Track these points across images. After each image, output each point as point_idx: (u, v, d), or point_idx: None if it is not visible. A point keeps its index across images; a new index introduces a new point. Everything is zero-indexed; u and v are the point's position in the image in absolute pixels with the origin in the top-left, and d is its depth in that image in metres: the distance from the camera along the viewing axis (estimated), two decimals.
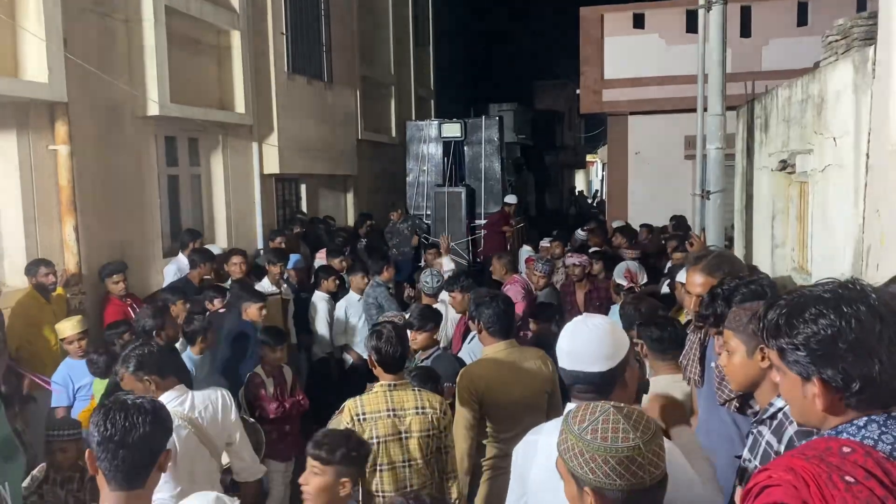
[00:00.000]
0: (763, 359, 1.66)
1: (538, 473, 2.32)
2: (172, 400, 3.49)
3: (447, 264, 6.69)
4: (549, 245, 9.59)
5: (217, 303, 6.17)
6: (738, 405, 2.74)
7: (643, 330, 3.77)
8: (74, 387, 5.03)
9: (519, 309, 6.36)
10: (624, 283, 6.19)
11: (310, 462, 2.91)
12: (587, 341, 2.24)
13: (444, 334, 5.88)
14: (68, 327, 5.28)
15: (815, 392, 1.51)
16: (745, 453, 2.39)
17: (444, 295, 6.34)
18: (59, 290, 6.05)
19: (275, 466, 5.29)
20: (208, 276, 6.93)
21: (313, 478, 2.89)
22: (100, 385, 4.75)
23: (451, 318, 6.08)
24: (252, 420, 4.43)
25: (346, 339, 7.25)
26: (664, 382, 3.57)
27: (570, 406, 2.14)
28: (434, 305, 5.80)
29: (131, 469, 2.13)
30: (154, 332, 4.73)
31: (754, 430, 2.39)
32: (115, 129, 7.14)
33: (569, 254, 7.54)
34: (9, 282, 6.13)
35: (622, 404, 1.69)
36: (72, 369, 5.12)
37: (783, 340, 1.53)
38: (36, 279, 5.76)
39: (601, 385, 2.22)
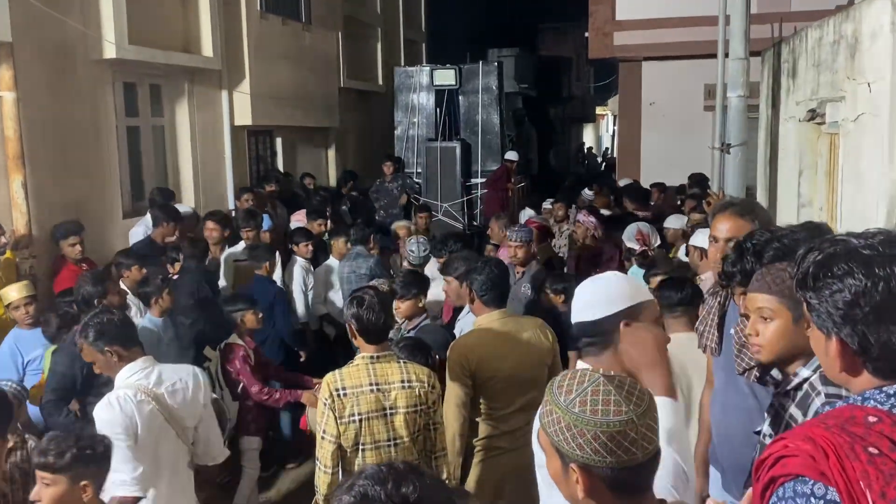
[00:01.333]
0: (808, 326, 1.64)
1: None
2: (136, 372, 3.52)
3: (413, 247, 6.47)
4: (550, 207, 9.57)
5: (176, 266, 6.21)
6: (758, 374, 2.73)
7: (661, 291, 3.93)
8: (24, 359, 5.01)
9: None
10: (636, 246, 6.18)
11: (38, 474, 2.87)
12: (584, 290, 2.40)
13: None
14: (13, 291, 5.26)
15: (834, 351, 1.53)
16: (766, 428, 2.40)
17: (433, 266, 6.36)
18: (8, 253, 6.02)
19: (250, 443, 5.40)
20: (171, 238, 6.89)
21: (45, 490, 2.84)
22: (49, 356, 4.74)
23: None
24: (216, 398, 4.44)
25: (328, 308, 7.27)
26: (680, 341, 3.61)
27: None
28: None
29: None
30: (95, 301, 4.72)
31: (776, 403, 2.40)
32: (66, 73, 7.04)
33: (581, 212, 7.50)
34: None
35: (612, 372, 1.68)
36: (19, 340, 5.10)
37: (809, 293, 1.55)
38: None
39: (595, 334, 2.30)
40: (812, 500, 1.37)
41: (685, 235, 6.85)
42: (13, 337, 5.14)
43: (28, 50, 6.48)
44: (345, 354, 6.83)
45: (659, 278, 4.74)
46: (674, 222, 7.14)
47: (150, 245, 6.74)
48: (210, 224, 7.33)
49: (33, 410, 4.64)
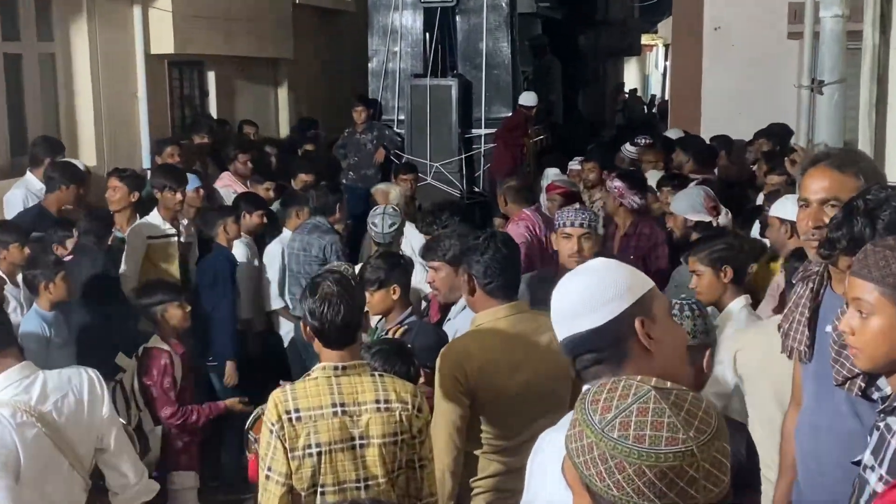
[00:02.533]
0: None
1: (533, 482, 2.36)
2: (12, 385, 3.47)
3: (376, 220, 6.38)
4: (579, 167, 9.51)
5: (69, 244, 6.20)
6: (862, 386, 2.73)
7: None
8: None
9: None
10: (704, 217, 6.14)
11: None
12: (567, 291, 2.26)
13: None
14: None
15: None
16: (867, 456, 2.41)
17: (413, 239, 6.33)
18: None
19: (182, 481, 5.47)
20: (70, 206, 6.85)
21: None
22: None
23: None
24: (123, 422, 4.44)
25: (286, 299, 7.33)
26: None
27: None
28: None
29: None
30: None
31: (881, 425, 2.40)
32: None
33: (625, 189, 6.98)
34: None
35: (668, 384, 1.64)
36: None
37: None
38: None
39: (601, 347, 2.19)
40: None
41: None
42: None
43: None
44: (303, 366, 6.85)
45: (692, 259, 4.72)
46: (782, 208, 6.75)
47: (39, 216, 6.73)
48: (114, 182, 7.27)
49: None
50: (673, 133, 11.40)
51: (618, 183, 6.97)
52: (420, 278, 5.60)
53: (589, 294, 2.21)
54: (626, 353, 2.17)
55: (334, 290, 3.42)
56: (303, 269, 6.81)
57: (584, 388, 1.72)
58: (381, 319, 5.06)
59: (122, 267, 6.89)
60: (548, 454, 2.27)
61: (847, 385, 2.81)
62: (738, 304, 4.53)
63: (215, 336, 6.76)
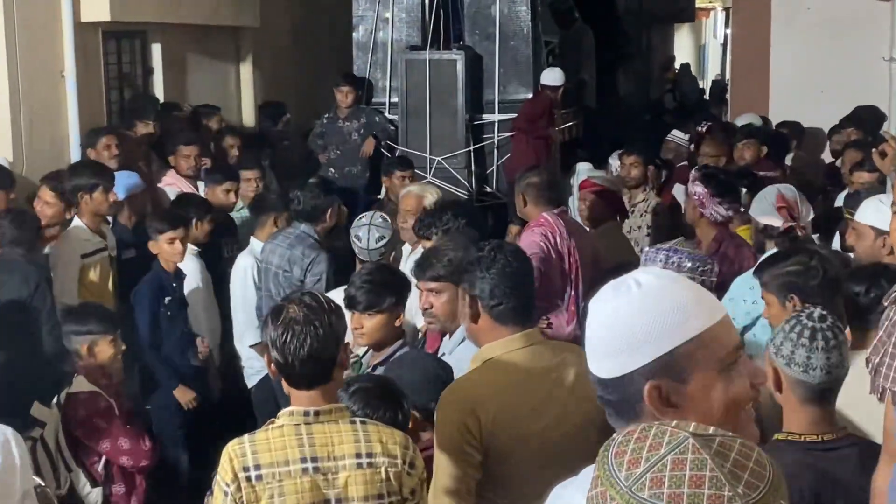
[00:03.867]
0: None
1: None
2: None
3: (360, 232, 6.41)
4: (619, 161, 9.52)
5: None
6: None
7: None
8: None
9: None
10: (777, 221, 6.13)
11: None
12: (601, 316, 2.17)
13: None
14: None
15: None
16: None
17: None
18: None
19: None
20: None
21: None
22: None
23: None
24: (40, 485, 4.48)
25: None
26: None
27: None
28: None
29: None
30: None
31: None
32: None
33: (707, 197, 6.68)
34: None
35: (709, 429, 1.64)
36: None
37: None
38: None
39: (609, 400, 2.18)
40: None
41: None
42: None
43: None
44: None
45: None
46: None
47: None
48: (46, 195, 7.36)
49: None
50: (741, 119, 11.40)
51: (699, 189, 6.67)
52: (411, 305, 5.58)
53: (606, 332, 2.15)
54: (637, 414, 2.11)
55: (300, 315, 3.43)
56: (282, 292, 6.74)
57: (611, 438, 1.71)
58: (367, 352, 5.10)
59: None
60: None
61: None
62: None
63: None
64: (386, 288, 5.00)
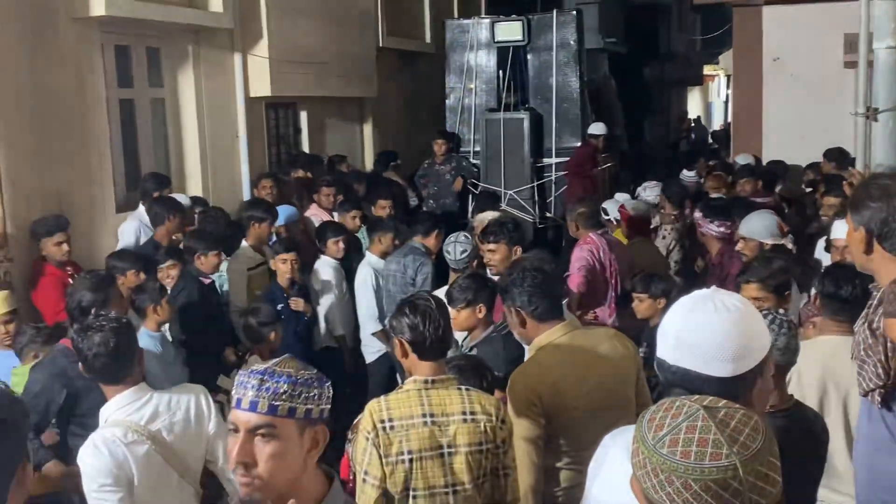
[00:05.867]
0: None
1: (599, 493, 2.34)
2: (126, 406, 3.60)
3: (449, 247, 6.35)
4: (652, 196, 9.32)
5: (171, 271, 6.33)
6: (879, 398, 2.88)
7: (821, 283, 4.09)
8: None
9: (573, 283, 6.37)
10: (779, 239, 6.07)
11: None
12: (711, 329, 2.13)
13: None
14: None
15: None
16: None
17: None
18: None
19: None
20: (179, 235, 7.03)
21: None
22: (22, 374, 4.86)
23: None
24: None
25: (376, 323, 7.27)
26: (834, 343, 3.65)
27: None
28: None
29: None
30: (93, 310, 4.83)
31: None
32: (46, 35, 7.24)
33: (702, 219, 6.76)
34: None
35: (719, 402, 1.65)
36: None
37: None
38: None
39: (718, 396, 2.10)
40: None
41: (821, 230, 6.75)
42: None
43: None
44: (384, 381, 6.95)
45: (754, 286, 4.60)
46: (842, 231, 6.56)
47: (153, 247, 6.91)
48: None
49: None
50: (740, 159, 11.32)
51: (697, 214, 6.96)
52: None
53: (728, 342, 2.14)
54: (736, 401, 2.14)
55: (432, 306, 3.51)
56: (400, 291, 6.68)
57: (646, 409, 1.75)
58: (465, 337, 5.09)
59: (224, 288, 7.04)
60: (610, 452, 2.31)
61: (869, 396, 2.93)
62: None
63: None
64: (471, 291, 4.98)
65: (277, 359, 2.31)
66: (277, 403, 2.20)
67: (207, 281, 6.45)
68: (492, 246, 5.85)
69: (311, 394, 2.26)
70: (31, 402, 4.37)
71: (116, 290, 5.20)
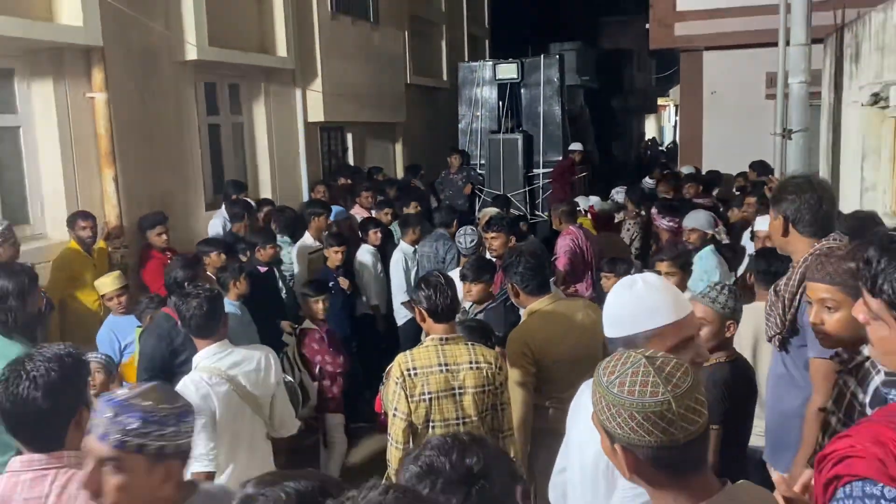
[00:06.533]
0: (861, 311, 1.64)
1: (578, 435, 2.34)
2: (212, 356, 3.63)
3: (461, 238, 6.40)
4: (620, 198, 9.25)
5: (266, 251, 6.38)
6: (778, 343, 2.91)
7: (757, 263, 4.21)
8: (120, 344, 5.21)
9: (560, 264, 6.37)
10: (716, 231, 6.07)
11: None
12: (613, 298, 2.16)
13: None
14: (107, 283, 5.48)
15: None
16: (830, 405, 2.39)
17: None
18: (101, 243, 6.26)
19: (334, 419, 5.59)
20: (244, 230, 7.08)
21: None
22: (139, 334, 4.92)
23: None
24: (290, 380, 4.60)
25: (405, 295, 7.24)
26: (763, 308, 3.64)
27: None
28: None
29: (41, 434, 2.17)
30: (186, 284, 4.86)
31: (840, 381, 2.40)
32: (152, 74, 7.27)
33: (656, 215, 6.86)
34: (50, 235, 6.36)
35: (658, 353, 1.64)
36: (115, 326, 5.31)
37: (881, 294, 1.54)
38: (76, 232, 5.96)
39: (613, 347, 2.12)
40: (882, 502, 1.36)
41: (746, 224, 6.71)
42: (110, 324, 5.34)
43: (118, 54, 6.71)
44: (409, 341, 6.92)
45: (666, 263, 4.65)
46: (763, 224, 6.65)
47: (232, 237, 6.96)
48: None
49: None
50: (685, 169, 11.28)
51: (654, 210, 6.99)
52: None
53: (610, 310, 2.17)
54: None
55: (441, 281, 3.52)
56: (433, 268, 6.65)
57: (602, 360, 1.75)
58: (471, 305, 5.12)
59: (295, 268, 7.06)
60: (584, 398, 2.29)
61: (772, 340, 3.00)
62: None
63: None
64: (483, 269, 5.04)
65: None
66: (126, 439, 1.84)
67: (264, 269, 6.40)
68: (493, 234, 5.87)
69: (165, 431, 1.87)
70: (146, 360, 4.45)
71: (203, 268, 5.26)
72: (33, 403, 2.14)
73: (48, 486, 2.12)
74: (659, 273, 4.37)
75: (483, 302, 5.00)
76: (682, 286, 4.62)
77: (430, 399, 3.42)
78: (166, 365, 4.44)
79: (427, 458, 1.55)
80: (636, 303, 2.11)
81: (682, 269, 4.65)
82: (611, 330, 2.15)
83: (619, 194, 9.56)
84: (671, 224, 6.56)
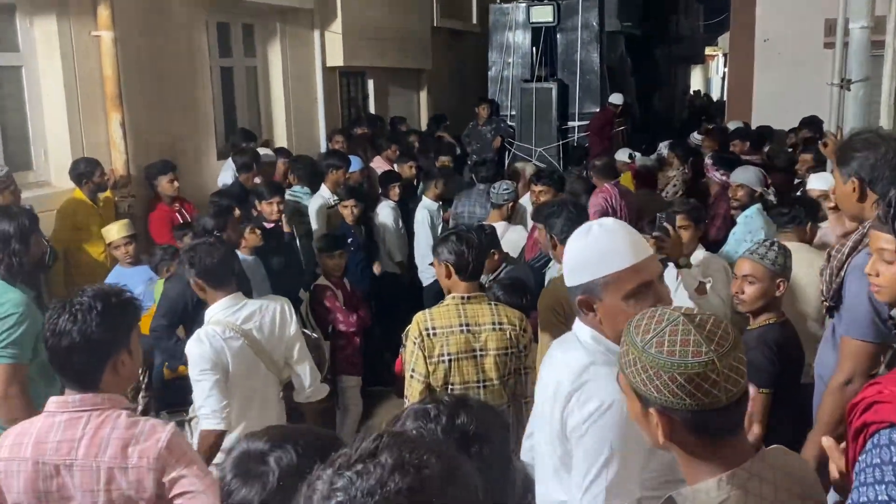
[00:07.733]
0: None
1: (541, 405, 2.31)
2: (225, 309, 3.66)
3: (496, 188, 6.28)
4: (665, 154, 9.15)
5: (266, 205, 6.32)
6: (826, 309, 2.93)
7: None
8: None
9: None
10: (765, 189, 6.00)
11: None
12: (592, 243, 2.12)
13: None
14: (114, 231, 5.53)
15: None
16: (882, 370, 2.38)
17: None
18: (108, 192, 6.30)
19: (349, 381, 5.66)
20: (258, 180, 7.06)
21: None
22: (161, 287, 4.97)
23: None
24: (314, 335, 4.63)
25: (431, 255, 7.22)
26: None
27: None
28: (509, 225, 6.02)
29: (75, 369, 2.27)
30: (214, 233, 4.88)
31: (894, 345, 2.36)
32: (162, 13, 7.25)
33: (710, 166, 6.87)
34: (54, 182, 6.41)
35: (695, 311, 1.62)
36: (122, 277, 5.33)
37: None
38: (93, 181, 5.99)
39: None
40: None
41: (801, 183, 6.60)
42: (116, 275, 5.39)
43: None
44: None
45: (682, 216, 4.62)
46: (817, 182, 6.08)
47: (239, 188, 6.94)
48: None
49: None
50: (732, 124, 11.08)
51: (708, 162, 7.06)
52: (513, 238, 5.75)
53: (567, 257, 2.19)
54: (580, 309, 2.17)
55: (474, 237, 3.51)
56: (468, 222, 6.66)
57: (632, 318, 1.71)
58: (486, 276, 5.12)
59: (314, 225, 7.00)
60: (552, 360, 2.30)
61: (823, 304, 3.02)
62: (701, 253, 4.63)
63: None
64: (547, 215, 5.01)
65: None
66: None
67: (270, 225, 6.34)
68: (542, 188, 5.93)
69: None
70: (169, 305, 4.58)
71: (233, 219, 5.26)
72: (68, 336, 2.25)
73: (80, 430, 2.23)
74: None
75: (495, 270, 5.02)
76: (694, 240, 4.65)
77: (450, 360, 3.43)
78: (187, 314, 4.51)
79: (414, 430, 1.57)
80: (592, 248, 2.10)
81: (695, 222, 4.65)
82: (569, 279, 2.15)
83: (665, 149, 9.43)
84: (724, 178, 6.53)
